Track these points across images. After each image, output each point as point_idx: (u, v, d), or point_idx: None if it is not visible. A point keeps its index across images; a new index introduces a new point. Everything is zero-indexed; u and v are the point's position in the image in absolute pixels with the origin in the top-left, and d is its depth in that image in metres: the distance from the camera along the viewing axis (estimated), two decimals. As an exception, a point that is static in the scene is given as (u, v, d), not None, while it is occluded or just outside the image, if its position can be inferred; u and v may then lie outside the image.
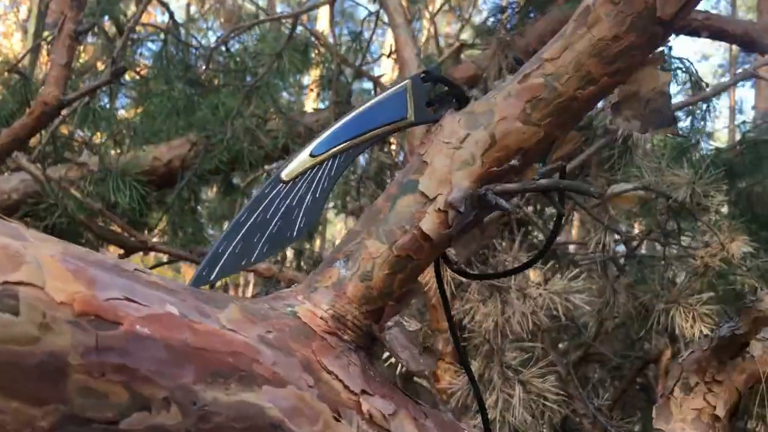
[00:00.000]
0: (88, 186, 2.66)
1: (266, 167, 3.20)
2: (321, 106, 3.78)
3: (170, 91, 2.98)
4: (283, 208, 0.69)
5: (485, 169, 0.70)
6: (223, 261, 0.65)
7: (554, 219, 0.75)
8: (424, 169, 0.71)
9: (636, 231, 3.03)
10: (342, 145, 0.70)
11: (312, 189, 0.70)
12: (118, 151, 3.01)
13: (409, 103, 0.72)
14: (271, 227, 0.68)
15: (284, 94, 4.05)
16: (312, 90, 3.49)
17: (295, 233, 0.69)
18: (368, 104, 0.71)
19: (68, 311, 0.45)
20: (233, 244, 0.66)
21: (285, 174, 0.69)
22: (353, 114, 0.71)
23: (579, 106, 0.70)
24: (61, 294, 0.45)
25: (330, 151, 0.70)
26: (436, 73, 0.74)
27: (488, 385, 1.94)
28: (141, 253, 3.51)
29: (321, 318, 0.66)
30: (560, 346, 3.10)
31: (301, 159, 0.70)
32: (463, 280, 1.96)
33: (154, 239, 3.07)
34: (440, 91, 0.75)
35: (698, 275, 2.35)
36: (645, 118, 0.71)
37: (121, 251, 2.83)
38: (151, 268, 3.21)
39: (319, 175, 0.70)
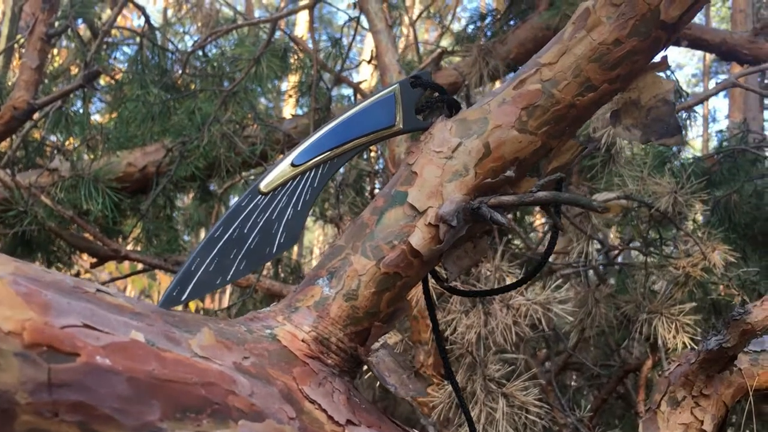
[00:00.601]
0: (60, 192, 2.58)
1: (244, 174, 3.14)
2: (299, 111, 3.73)
3: (145, 96, 2.91)
4: (261, 222, 0.63)
5: (479, 181, 0.66)
6: (195, 280, 0.60)
7: (550, 232, 0.70)
8: (414, 180, 0.66)
9: (611, 239, 3.01)
10: (326, 154, 0.65)
11: (293, 201, 0.64)
12: (91, 156, 2.93)
13: (397, 109, 0.67)
14: (248, 243, 0.62)
15: (261, 99, 3.99)
16: (291, 96, 3.43)
17: (274, 249, 0.63)
18: (354, 110, 0.66)
19: (17, 342, 0.40)
20: (207, 261, 0.61)
21: (264, 185, 0.64)
22: (338, 121, 0.66)
23: (577, 113, 0.66)
24: (8, 322, 0.40)
25: (313, 161, 0.65)
26: (426, 78, 0.69)
27: (471, 399, 1.89)
28: (115, 262, 3.43)
29: (302, 341, 0.61)
30: (539, 354, 3.07)
31: (282, 169, 0.65)
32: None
33: (128, 247, 2.99)
34: (430, 97, 0.71)
35: (679, 285, 2.34)
36: (647, 128, 0.67)
37: (94, 260, 2.75)
38: (125, 276, 3.14)
39: (301, 186, 0.65)
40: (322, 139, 0.65)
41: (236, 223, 0.62)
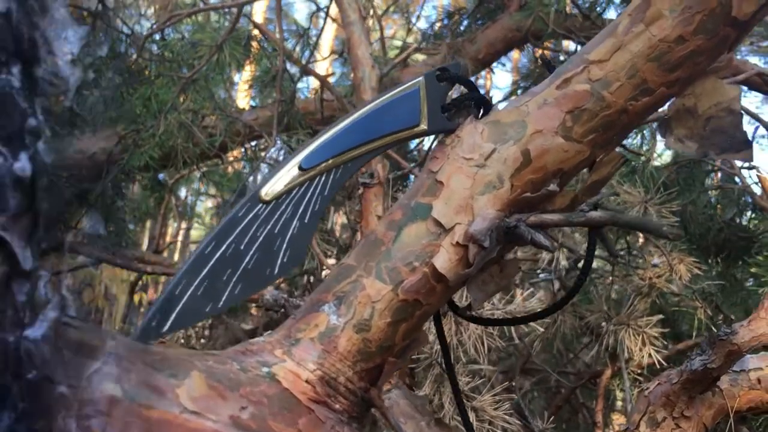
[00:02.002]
0: (1, 178, 2.39)
1: (200, 166, 2.99)
2: (253, 103, 3.59)
3: (97, 80, 2.74)
4: (261, 237, 0.52)
5: (515, 194, 0.56)
6: (180, 307, 0.48)
7: (585, 254, 0.61)
8: (439, 191, 0.56)
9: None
10: (339, 157, 0.54)
11: (299, 212, 0.53)
12: (37, 141, 2.74)
13: (422, 107, 0.57)
14: (245, 261, 0.51)
15: (219, 89, 3.84)
16: (252, 86, 3.29)
17: (276, 269, 0.52)
18: (373, 106, 0.55)
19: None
20: (195, 284, 0.49)
21: (265, 191, 0.53)
22: (354, 117, 0.55)
23: (628, 120, 0.57)
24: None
25: (324, 164, 0.54)
26: (455, 71, 0.59)
27: (439, 412, 1.81)
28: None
29: (306, 381, 0.50)
30: (494, 360, 3.02)
31: (286, 173, 0.53)
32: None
33: (71, 239, 2.82)
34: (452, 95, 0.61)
35: (642, 295, 2.32)
36: (704, 139, 0.58)
37: (35, 252, 2.57)
38: (69, 271, 2.95)
39: (309, 194, 0.54)
40: (336, 138, 0.54)
41: (231, 238, 0.51)
